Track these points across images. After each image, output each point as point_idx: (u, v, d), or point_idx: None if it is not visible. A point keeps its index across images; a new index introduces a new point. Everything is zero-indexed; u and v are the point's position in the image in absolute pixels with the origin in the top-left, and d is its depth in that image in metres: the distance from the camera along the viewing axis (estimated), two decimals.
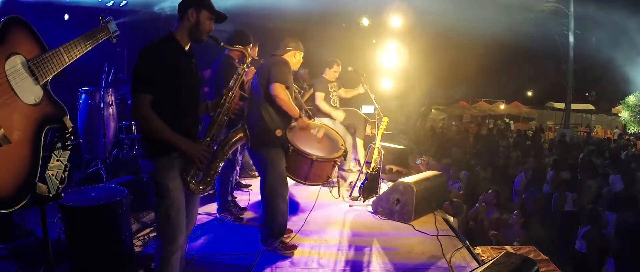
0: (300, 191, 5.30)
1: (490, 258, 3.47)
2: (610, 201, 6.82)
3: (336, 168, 4.03)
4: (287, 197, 3.71)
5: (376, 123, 5.33)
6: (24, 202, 2.06)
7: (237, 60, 4.22)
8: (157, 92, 2.41)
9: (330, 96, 5.91)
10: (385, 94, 9.04)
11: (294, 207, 4.92)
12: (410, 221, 4.55)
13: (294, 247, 3.75)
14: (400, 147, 7.28)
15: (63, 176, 2.30)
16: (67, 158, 2.31)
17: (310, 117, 4.57)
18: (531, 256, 4.00)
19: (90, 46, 2.36)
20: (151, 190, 2.56)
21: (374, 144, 5.22)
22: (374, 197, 5.01)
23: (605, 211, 6.29)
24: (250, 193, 5.29)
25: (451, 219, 5.15)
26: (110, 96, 5.60)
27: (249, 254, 3.62)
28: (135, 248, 3.51)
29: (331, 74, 5.96)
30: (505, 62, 23.83)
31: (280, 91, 3.50)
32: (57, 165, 2.27)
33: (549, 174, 8.78)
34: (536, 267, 2.72)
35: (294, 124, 3.74)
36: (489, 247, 4.44)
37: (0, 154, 1.93)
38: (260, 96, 3.62)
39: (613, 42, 20.62)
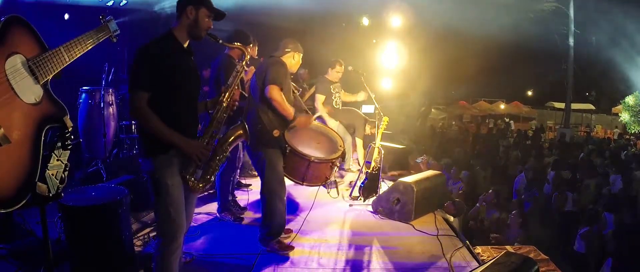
0: (300, 191, 5.30)
1: (490, 258, 3.47)
2: (608, 201, 6.82)
3: (335, 169, 4.02)
4: (285, 197, 3.71)
5: (376, 123, 5.33)
6: (24, 201, 2.06)
7: (237, 59, 4.22)
8: (156, 90, 2.41)
9: (333, 98, 5.84)
10: (385, 94, 9.04)
11: (294, 207, 4.92)
12: (410, 220, 4.55)
13: (291, 247, 3.75)
14: (400, 146, 7.28)
15: (63, 175, 2.30)
16: (67, 158, 2.31)
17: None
18: (531, 255, 4.00)
19: (91, 45, 2.36)
20: (151, 189, 2.55)
21: (374, 144, 5.22)
22: (374, 197, 5.01)
23: (604, 212, 6.29)
24: (250, 193, 5.29)
25: (451, 218, 5.15)
26: (110, 96, 5.61)
27: (249, 254, 3.62)
28: (135, 248, 3.50)
29: (334, 74, 5.89)
30: (505, 62, 23.81)
31: (274, 93, 3.50)
32: (57, 164, 2.26)
33: (550, 175, 8.77)
34: (536, 267, 2.72)
35: (293, 124, 3.73)
36: (489, 247, 4.44)
37: (0, 154, 1.92)
38: (257, 97, 3.63)
39: (613, 42, 20.63)
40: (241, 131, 2.95)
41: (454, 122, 24.67)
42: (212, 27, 2.61)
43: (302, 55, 3.87)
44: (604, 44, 20.84)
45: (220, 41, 2.77)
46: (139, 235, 3.86)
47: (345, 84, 6.24)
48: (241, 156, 4.57)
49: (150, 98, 2.41)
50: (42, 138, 2.13)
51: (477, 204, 6.95)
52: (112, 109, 5.60)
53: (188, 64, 2.59)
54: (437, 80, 17.31)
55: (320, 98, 5.72)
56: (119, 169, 5.31)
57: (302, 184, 3.82)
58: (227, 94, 2.77)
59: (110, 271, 3.09)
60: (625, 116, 19.26)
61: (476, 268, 2.96)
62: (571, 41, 20.30)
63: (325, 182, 3.95)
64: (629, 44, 20.27)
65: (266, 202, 3.64)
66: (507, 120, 26.99)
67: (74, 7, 7.17)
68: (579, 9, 19.68)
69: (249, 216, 4.59)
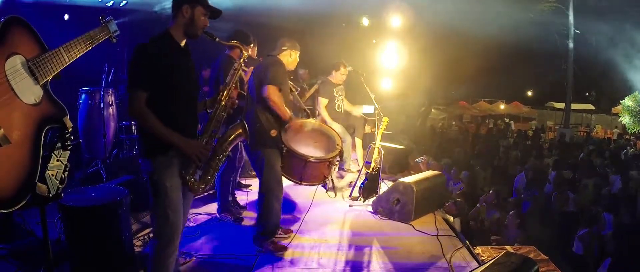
0: (299, 191, 5.30)
1: (490, 258, 3.47)
2: (608, 201, 6.82)
3: (333, 167, 4.01)
4: (282, 197, 3.71)
5: (376, 123, 5.33)
6: (24, 202, 2.06)
7: (237, 59, 4.21)
8: (154, 90, 2.40)
9: (335, 101, 5.73)
10: (385, 94, 9.04)
11: (294, 207, 4.93)
12: (410, 220, 4.55)
13: (285, 248, 3.74)
14: (400, 147, 7.28)
15: (63, 176, 2.30)
16: (67, 158, 2.31)
17: (308, 116, 4.56)
18: (531, 256, 4.00)
19: (91, 46, 2.36)
20: (149, 189, 2.55)
21: (374, 144, 5.22)
22: (374, 197, 5.01)
23: (604, 212, 6.29)
24: (249, 193, 5.29)
25: (451, 219, 5.15)
26: (110, 96, 5.61)
27: (249, 254, 3.62)
28: (135, 248, 3.50)
29: (338, 77, 5.71)
30: (505, 62, 23.79)
31: (272, 93, 3.50)
32: (57, 165, 2.26)
33: (552, 174, 8.77)
34: (536, 267, 2.72)
35: (287, 126, 3.71)
36: (489, 247, 4.44)
37: (0, 154, 1.92)
38: (255, 97, 3.63)
39: (613, 42, 20.62)
40: (241, 130, 2.95)
41: (454, 122, 24.67)
42: (208, 25, 2.59)
43: (299, 53, 3.86)
44: (604, 44, 20.84)
45: (217, 39, 2.75)
46: (139, 235, 3.86)
47: (345, 84, 6.22)
48: (242, 156, 4.57)
49: (148, 98, 2.39)
50: (42, 139, 2.13)
51: (478, 205, 6.95)
52: (112, 110, 5.61)
53: (186, 63, 2.58)
54: (437, 80, 17.32)
55: (323, 101, 5.59)
56: (119, 169, 5.32)
57: (301, 184, 3.81)
58: (225, 92, 2.76)
59: (110, 271, 3.10)
60: (626, 118, 19.24)
61: (476, 268, 2.96)
62: (571, 41, 20.30)
63: (323, 181, 3.95)
64: (629, 44, 20.26)
65: (263, 201, 3.64)
66: (507, 120, 26.98)
67: (74, 7, 7.17)
68: (579, 9, 19.68)
69: (248, 216, 4.58)
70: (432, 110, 21.43)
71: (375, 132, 5.29)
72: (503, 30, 16.93)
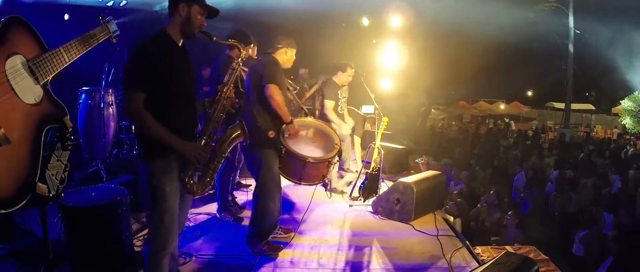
0: (299, 191, 5.30)
1: (490, 258, 3.47)
2: (609, 201, 6.83)
3: (335, 167, 3.99)
4: (279, 198, 3.69)
5: (376, 123, 5.32)
6: (24, 202, 2.06)
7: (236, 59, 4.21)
8: (151, 91, 2.36)
9: (339, 103, 5.63)
10: (385, 94, 9.04)
11: (293, 207, 4.93)
12: (410, 221, 4.55)
13: (279, 248, 3.73)
14: (400, 147, 7.28)
15: (63, 175, 2.29)
16: (67, 158, 2.31)
17: (306, 115, 4.53)
18: (531, 256, 4.00)
19: (91, 46, 2.36)
20: (145, 191, 2.51)
21: (374, 144, 5.22)
22: (374, 197, 5.01)
23: (604, 212, 6.29)
24: (249, 193, 5.28)
25: (451, 218, 5.15)
26: (110, 96, 5.61)
27: (249, 254, 3.62)
28: (135, 248, 3.50)
29: (344, 78, 5.54)
30: (505, 62, 23.81)
31: (274, 92, 3.47)
32: (57, 165, 2.26)
33: (554, 174, 8.78)
34: (536, 267, 2.72)
35: (285, 127, 3.67)
36: (489, 247, 4.45)
37: (0, 154, 1.92)
38: (252, 97, 3.58)
39: (613, 42, 20.63)
40: (240, 131, 2.91)
41: (454, 122, 24.66)
42: (205, 24, 2.56)
43: (295, 51, 3.81)
44: (604, 44, 20.85)
45: (214, 39, 2.69)
46: (139, 235, 3.86)
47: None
48: (242, 156, 4.56)
49: (146, 99, 2.35)
50: (42, 138, 2.13)
51: (479, 205, 6.95)
52: (112, 110, 5.61)
53: (185, 63, 2.55)
54: (437, 80, 17.32)
55: (330, 104, 5.43)
56: (119, 169, 5.32)
57: (300, 184, 3.79)
58: (224, 92, 2.72)
59: (110, 271, 3.10)
60: (627, 120, 19.24)
61: (476, 268, 2.96)
62: (571, 42, 20.31)
63: (322, 180, 3.92)
64: (629, 44, 20.27)
65: (259, 202, 3.61)
66: (507, 120, 26.98)
67: (74, 7, 7.17)
68: (579, 9, 19.68)
69: (248, 216, 4.55)
70: (432, 110, 21.42)
71: (375, 132, 5.28)
72: (503, 30, 16.95)
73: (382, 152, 5.30)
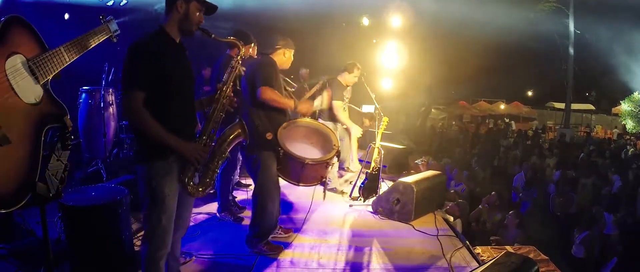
0: (298, 191, 5.28)
1: (490, 258, 3.47)
2: (609, 201, 6.83)
3: (335, 167, 3.97)
4: (278, 199, 3.68)
5: (377, 123, 5.32)
6: (24, 201, 2.06)
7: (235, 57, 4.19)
8: (151, 90, 2.31)
9: (343, 103, 5.61)
10: (386, 94, 9.04)
11: (293, 207, 4.92)
12: (410, 220, 4.55)
13: (280, 248, 3.72)
14: (400, 147, 7.28)
15: (63, 175, 2.29)
16: (67, 157, 2.31)
17: (303, 116, 4.51)
18: (531, 256, 4.00)
19: (91, 46, 2.36)
20: (143, 194, 2.45)
21: (374, 144, 5.21)
22: (374, 197, 5.00)
23: (604, 213, 6.29)
24: (249, 192, 5.28)
25: (451, 218, 5.15)
26: (110, 96, 5.61)
27: (249, 254, 3.62)
28: (135, 248, 3.50)
29: (350, 79, 5.47)
30: (505, 62, 23.83)
31: (267, 94, 3.44)
32: (57, 164, 2.26)
33: (556, 175, 8.78)
34: (536, 267, 2.72)
35: (285, 123, 3.65)
36: (489, 247, 4.45)
37: (0, 154, 1.92)
38: (248, 98, 3.55)
39: (613, 41, 20.63)
40: (240, 130, 2.86)
41: (454, 122, 24.67)
42: (203, 21, 2.50)
43: (293, 51, 3.78)
44: (604, 44, 20.85)
45: (213, 36, 2.63)
46: (139, 235, 3.84)
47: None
48: (240, 155, 4.55)
49: (145, 98, 2.30)
50: (42, 138, 2.13)
51: (480, 206, 6.94)
52: (112, 109, 5.61)
53: (183, 60, 2.50)
54: (437, 80, 17.34)
55: (338, 105, 5.39)
56: (119, 169, 5.32)
57: (298, 185, 3.75)
58: (223, 91, 2.67)
59: (110, 271, 3.10)
60: (628, 123, 19.26)
61: (476, 268, 2.96)
62: (571, 42, 20.31)
63: (321, 181, 3.90)
64: (629, 44, 20.27)
65: (258, 203, 3.60)
66: (507, 120, 27.00)
67: (74, 7, 7.17)
68: (579, 9, 19.68)
69: (248, 215, 4.56)
70: (432, 110, 21.42)
71: (376, 132, 5.28)
72: (503, 30, 16.95)
73: (382, 152, 5.30)
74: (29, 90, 2.09)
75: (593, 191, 8.19)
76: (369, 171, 5.14)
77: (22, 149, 2.03)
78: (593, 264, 5.60)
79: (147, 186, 2.42)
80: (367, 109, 7.18)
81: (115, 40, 2.50)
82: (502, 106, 28.23)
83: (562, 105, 23.76)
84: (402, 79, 9.95)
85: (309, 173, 3.65)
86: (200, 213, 4.58)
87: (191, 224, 4.20)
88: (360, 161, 6.31)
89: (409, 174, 6.19)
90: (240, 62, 2.85)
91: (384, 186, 5.49)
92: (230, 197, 4.58)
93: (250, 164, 3.63)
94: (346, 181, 5.97)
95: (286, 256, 3.68)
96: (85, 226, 3.03)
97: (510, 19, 17.22)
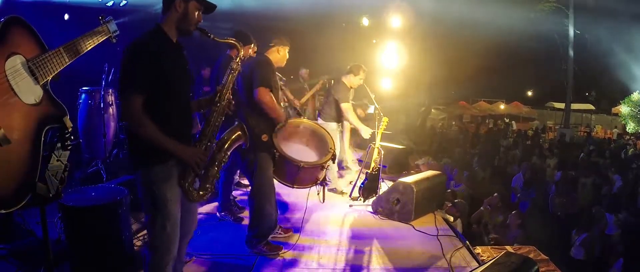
0: (299, 191, 5.25)
1: (490, 258, 3.47)
2: (610, 202, 6.82)
3: (335, 168, 3.96)
4: (275, 200, 3.67)
5: (376, 123, 5.31)
6: (24, 202, 2.05)
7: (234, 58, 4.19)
8: (148, 92, 2.24)
9: None
10: (385, 94, 9.04)
11: (293, 207, 4.93)
12: (410, 220, 4.55)
13: (279, 248, 3.72)
14: (400, 147, 7.28)
15: (63, 175, 2.29)
16: (67, 158, 2.30)
17: (299, 115, 4.51)
18: (531, 256, 4.00)
19: (91, 46, 2.35)
20: (144, 201, 2.41)
21: (374, 144, 5.21)
22: (374, 197, 5.01)
23: (606, 213, 6.28)
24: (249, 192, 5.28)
25: (451, 218, 5.16)
26: (110, 96, 5.61)
27: (249, 254, 3.62)
28: (135, 248, 3.51)
29: (355, 81, 5.39)
30: (505, 62, 23.85)
31: (264, 95, 3.42)
32: (57, 165, 2.26)
33: (557, 175, 8.78)
34: (536, 267, 2.72)
35: (281, 125, 3.63)
36: (489, 247, 4.45)
37: (0, 154, 1.92)
38: (244, 99, 3.54)
39: (613, 41, 20.64)
40: (240, 132, 2.83)
41: (454, 122, 24.68)
42: (202, 21, 2.45)
43: (288, 48, 3.77)
44: (604, 44, 20.87)
45: (211, 36, 2.57)
46: (139, 235, 3.86)
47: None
48: None
49: (144, 101, 2.24)
50: (42, 138, 2.13)
51: (482, 207, 6.92)
52: (112, 110, 5.60)
53: (181, 61, 2.45)
54: (437, 80, 17.34)
55: (348, 107, 5.32)
56: (119, 169, 5.32)
57: (293, 187, 3.75)
58: (223, 94, 2.62)
59: (110, 271, 3.10)
60: (624, 109, 19.23)
61: (476, 268, 2.96)
62: (571, 41, 20.32)
63: (316, 183, 3.89)
64: (629, 44, 20.28)
65: (255, 205, 3.59)
66: (507, 120, 27.01)
67: (74, 7, 7.17)
68: (579, 9, 19.69)
69: (248, 215, 4.58)
70: (432, 110, 21.43)
71: (375, 132, 5.28)
72: (503, 30, 16.96)
73: (382, 152, 5.30)
74: (29, 91, 2.09)
75: (593, 191, 8.19)
76: (369, 171, 5.14)
77: (22, 150, 2.03)
78: (593, 265, 5.59)
79: (147, 192, 2.37)
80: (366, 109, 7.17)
81: (114, 40, 2.48)
82: (502, 106, 28.24)
83: (562, 105, 23.77)
84: (402, 79, 9.95)
85: (304, 176, 3.63)
86: (200, 213, 4.57)
87: None
88: (360, 160, 6.32)
89: (409, 174, 6.19)
90: (239, 63, 2.81)
91: (384, 186, 5.49)
92: (231, 197, 4.58)
93: (246, 166, 3.62)
94: (344, 179, 5.95)
95: (286, 256, 3.68)
96: (85, 226, 3.03)
97: (510, 19, 17.23)
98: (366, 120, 5.94)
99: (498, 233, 6.18)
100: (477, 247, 4.24)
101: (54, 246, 3.13)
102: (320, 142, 3.92)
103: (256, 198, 3.59)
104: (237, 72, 2.76)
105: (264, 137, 3.48)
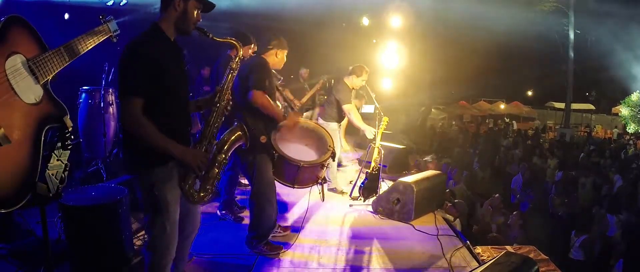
0: (299, 190, 5.27)
1: (490, 258, 3.47)
2: (610, 202, 6.82)
3: (335, 167, 3.96)
4: (275, 201, 3.67)
5: (376, 123, 5.31)
6: (24, 201, 2.05)
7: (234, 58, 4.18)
8: (149, 94, 2.22)
9: None
10: (386, 94, 9.05)
11: (292, 207, 4.92)
12: (410, 220, 4.55)
13: (280, 248, 3.71)
14: (400, 147, 7.28)
15: (63, 175, 2.29)
16: (67, 157, 2.31)
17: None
18: (531, 255, 3.99)
19: (91, 45, 2.35)
20: (144, 203, 2.40)
21: (374, 144, 5.21)
22: (374, 197, 5.00)
23: (607, 214, 6.28)
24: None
25: (451, 218, 5.16)
26: (110, 95, 5.60)
27: (249, 254, 3.62)
28: (135, 248, 3.50)
29: (358, 82, 5.33)
30: (506, 62, 23.89)
31: (259, 98, 3.42)
32: (57, 164, 2.26)
33: (558, 175, 8.79)
34: (536, 267, 2.72)
35: (279, 125, 3.62)
36: (489, 247, 4.44)
37: (0, 154, 1.92)
38: (240, 99, 3.52)
39: (613, 41, 20.65)
40: (240, 132, 2.83)
41: (454, 122, 24.68)
42: (201, 20, 2.42)
43: (286, 52, 3.75)
44: (604, 43, 20.87)
45: (210, 35, 2.55)
46: (138, 235, 3.85)
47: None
48: None
49: (144, 103, 2.22)
50: (42, 138, 2.13)
51: (483, 209, 6.92)
52: (112, 109, 5.60)
53: (179, 60, 2.43)
54: (437, 80, 17.35)
55: (351, 109, 5.30)
56: (119, 169, 5.31)
57: (293, 187, 3.74)
58: (222, 94, 2.60)
59: (110, 271, 3.09)
60: (624, 112, 19.25)
61: (476, 268, 2.96)
62: (571, 41, 20.32)
63: (317, 182, 3.88)
64: (630, 43, 20.29)
65: (255, 206, 3.59)
66: (507, 120, 27.02)
67: (74, 7, 7.16)
68: (579, 9, 19.71)
69: (248, 215, 4.58)
70: (432, 110, 21.42)
71: (375, 131, 5.27)
72: (503, 30, 16.97)
73: (382, 152, 5.30)
74: (29, 90, 2.09)
75: (593, 191, 8.18)
76: (369, 171, 5.14)
77: (22, 149, 2.03)
78: (592, 267, 5.59)
79: (148, 194, 2.34)
80: (367, 109, 7.18)
81: (115, 40, 2.48)
82: (502, 106, 28.26)
83: (562, 105, 23.81)
84: (402, 79, 9.96)
85: (304, 175, 3.63)
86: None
87: None
88: (360, 160, 6.32)
89: (409, 174, 6.19)
90: (238, 63, 2.78)
91: (384, 185, 5.49)
92: (234, 197, 4.56)
93: (246, 168, 3.61)
94: (346, 182, 5.96)
95: (286, 256, 3.67)
96: (85, 226, 3.02)
97: (510, 19, 17.24)
98: (366, 119, 5.94)
99: (499, 233, 6.17)
100: (477, 247, 4.23)
101: (54, 246, 3.13)
102: (319, 141, 3.92)
103: (257, 200, 3.58)
104: (236, 71, 2.74)
105: (263, 139, 3.47)
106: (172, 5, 2.32)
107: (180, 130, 2.44)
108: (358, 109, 5.92)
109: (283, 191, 4.94)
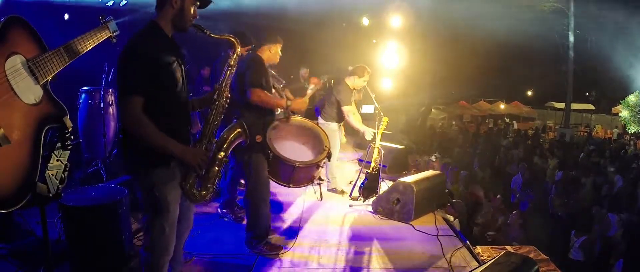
0: (298, 190, 5.28)
1: (490, 258, 3.47)
2: (610, 202, 6.81)
3: (320, 169, 3.94)
4: (269, 200, 3.67)
5: (376, 123, 5.31)
6: (24, 202, 2.05)
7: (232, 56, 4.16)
8: (149, 93, 2.21)
9: None
10: (386, 94, 9.05)
11: (292, 207, 4.92)
12: (410, 220, 4.54)
13: (279, 248, 3.72)
14: (400, 147, 7.28)
15: (63, 175, 2.29)
16: (67, 158, 2.31)
17: (293, 114, 4.48)
18: (531, 255, 3.99)
19: (91, 46, 2.35)
20: (143, 204, 2.40)
21: (374, 144, 5.21)
22: (374, 197, 5.00)
23: (608, 214, 6.27)
24: None
25: (451, 218, 5.15)
26: (110, 96, 5.60)
27: (249, 254, 3.62)
28: (135, 248, 3.50)
29: (359, 83, 5.30)
30: (506, 61, 23.89)
31: (256, 95, 3.43)
32: (57, 165, 2.26)
33: (558, 175, 8.78)
34: (536, 267, 2.72)
35: (275, 123, 3.62)
36: (489, 246, 4.44)
37: (0, 154, 1.92)
38: (237, 97, 3.52)
39: (613, 41, 20.65)
40: (239, 130, 2.82)
41: (454, 122, 24.68)
42: (198, 17, 2.42)
43: (280, 46, 3.74)
44: (604, 43, 20.87)
45: (208, 32, 2.52)
46: (138, 235, 3.85)
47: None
48: None
49: (143, 103, 2.21)
50: (42, 138, 2.13)
51: (483, 209, 6.91)
52: (112, 109, 5.60)
53: (178, 58, 2.41)
54: (437, 80, 17.36)
55: (350, 110, 5.28)
56: (119, 169, 5.31)
57: (289, 187, 3.74)
58: (221, 92, 2.60)
59: (110, 271, 3.10)
60: (624, 114, 19.26)
61: (476, 268, 2.96)
62: (571, 41, 20.33)
63: (312, 182, 3.86)
64: (630, 43, 20.28)
65: (251, 206, 3.59)
66: (507, 120, 27.02)
67: (74, 7, 7.17)
68: (579, 9, 19.71)
69: None
70: (432, 110, 21.43)
71: (375, 131, 5.27)
72: (503, 30, 16.96)
73: (382, 152, 5.30)
74: (29, 91, 2.09)
75: (593, 191, 8.18)
76: (368, 171, 5.14)
77: (22, 150, 2.03)
78: (592, 267, 5.59)
79: (148, 195, 2.34)
80: (367, 109, 7.18)
81: (114, 40, 2.48)
82: (502, 106, 28.26)
83: (562, 105, 23.80)
84: (402, 79, 9.96)
85: (299, 175, 3.63)
86: (200, 212, 4.57)
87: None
88: (360, 160, 6.31)
89: (409, 173, 6.19)
90: (236, 60, 2.77)
91: (384, 185, 5.49)
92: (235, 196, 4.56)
93: (241, 167, 3.62)
94: (346, 182, 5.95)
95: (286, 256, 3.68)
96: (85, 226, 3.02)
97: (510, 19, 17.24)
98: (366, 120, 5.95)
99: (499, 233, 6.17)
100: (477, 247, 4.23)
101: (54, 246, 3.13)
102: (316, 140, 3.91)
103: (252, 199, 3.59)
104: (234, 68, 2.73)
105: (258, 138, 3.46)
106: (169, 3, 2.32)
107: (180, 130, 2.43)
108: (356, 102, 5.91)
109: (280, 190, 4.94)
